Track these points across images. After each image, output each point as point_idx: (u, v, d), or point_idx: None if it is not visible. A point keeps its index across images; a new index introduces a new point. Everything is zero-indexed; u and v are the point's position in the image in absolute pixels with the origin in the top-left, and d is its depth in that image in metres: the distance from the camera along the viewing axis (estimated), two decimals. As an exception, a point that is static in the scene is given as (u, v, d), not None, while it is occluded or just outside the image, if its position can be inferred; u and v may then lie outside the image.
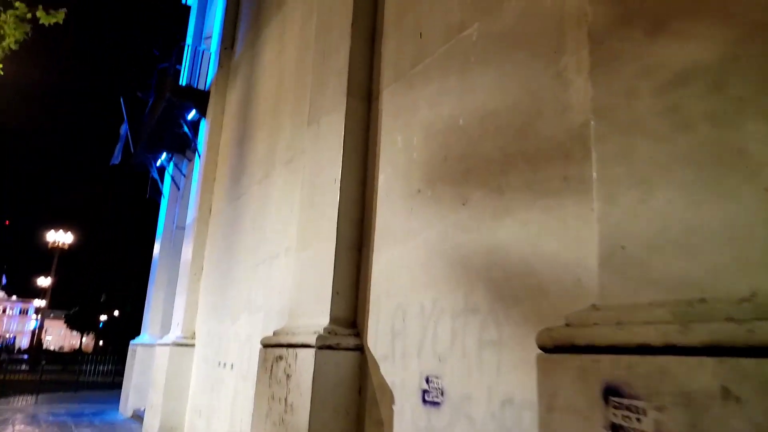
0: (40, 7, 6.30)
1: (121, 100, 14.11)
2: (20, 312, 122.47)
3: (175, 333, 9.39)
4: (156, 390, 9.25)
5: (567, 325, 1.82)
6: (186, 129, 10.67)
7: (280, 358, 4.45)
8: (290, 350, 4.27)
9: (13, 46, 6.16)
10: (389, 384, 3.68)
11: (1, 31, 5.89)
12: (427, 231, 3.56)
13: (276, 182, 7.02)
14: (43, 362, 17.47)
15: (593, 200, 1.89)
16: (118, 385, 16.99)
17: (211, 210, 9.80)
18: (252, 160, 8.20)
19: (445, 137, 3.49)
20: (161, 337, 11.65)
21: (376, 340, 3.93)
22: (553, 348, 1.83)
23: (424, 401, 3.27)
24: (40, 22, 6.36)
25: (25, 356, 41.56)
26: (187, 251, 10.05)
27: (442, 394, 3.13)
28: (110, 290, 69.07)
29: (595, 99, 1.93)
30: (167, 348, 9.10)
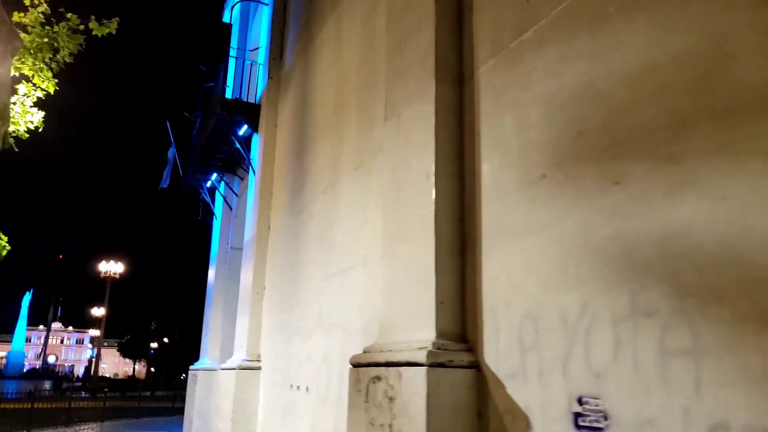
0: (93, 18, 6.08)
1: (167, 124, 14.05)
2: (76, 342, 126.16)
3: (239, 356, 9.01)
4: (222, 416, 8.86)
5: None
6: (238, 145, 10.40)
7: (378, 378, 3.93)
8: (390, 369, 3.75)
9: (67, 59, 5.95)
10: (522, 407, 3.10)
11: (55, 44, 5.68)
12: (561, 223, 3.00)
13: (344, 190, 6.56)
14: (106, 389, 17.45)
15: None
16: (178, 411, 16.82)
17: (270, 226, 9.44)
18: (313, 171, 7.79)
19: (576, 108, 2.94)
20: (223, 362, 11.33)
21: (498, 356, 3.37)
22: None
23: (579, 427, 2.69)
24: (93, 33, 6.15)
25: (81, 383, 42.39)
26: (246, 271, 9.71)
27: (605, 418, 2.54)
28: (161, 318, 70.43)
29: None
30: (232, 372, 8.71)
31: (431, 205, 3.83)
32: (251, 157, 10.27)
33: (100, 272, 40.39)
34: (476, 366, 3.53)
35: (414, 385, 3.42)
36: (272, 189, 9.61)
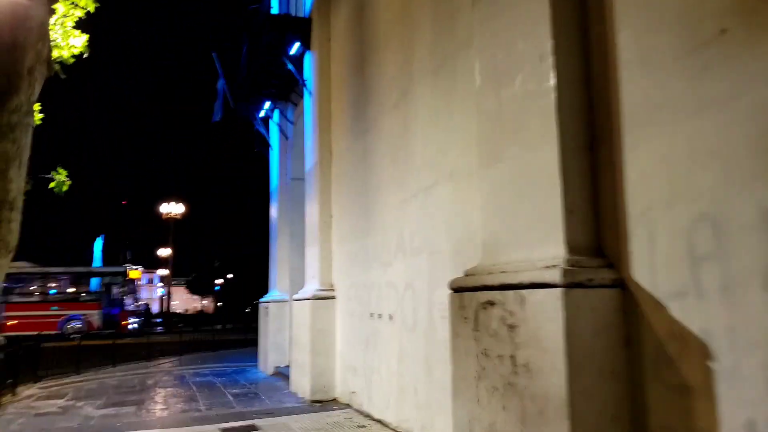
0: None
1: (214, 55, 13.42)
2: (148, 281, 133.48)
3: (312, 286, 8.71)
4: (300, 347, 8.69)
5: None
6: (290, 66, 9.71)
7: (490, 304, 3.37)
8: (508, 293, 3.18)
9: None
10: (695, 332, 2.48)
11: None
12: (751, 93, 2.24)
13: (419, 100, 5.85)
14: (180, 325, 17.99)
15: None
16: (250, 342, 17.20)
17: (331, 152, 8.88)
18: (378, 85, 7.06)
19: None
20: (294, 293, 11.17)
21: (654, 271, 2.72)
22: None
23: (796, 356, 2.05)
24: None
25: (160, 320, 44.70)
26: (310, 201, 9.27)
27: None
28: (224, 254, 72.77)
29: None
30: (307, 303, 8.45)
31: (551, 92, 3.10)
32: (305, 78, 9.59)
33: (162, 214, 41.58)
34: (621, 284, 2.90)
35: (545, 310, 2.84)
36: (331, 111, 8.97)
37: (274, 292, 11.98)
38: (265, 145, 13.20)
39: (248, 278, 65.50)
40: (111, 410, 7.86)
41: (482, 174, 3.80)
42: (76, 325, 22.10)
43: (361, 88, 7.69)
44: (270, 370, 11.32)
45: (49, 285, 24.96)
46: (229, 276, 73.79)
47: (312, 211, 9.13)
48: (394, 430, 6.15)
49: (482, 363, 3.43)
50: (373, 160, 7.18)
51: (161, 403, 8.37)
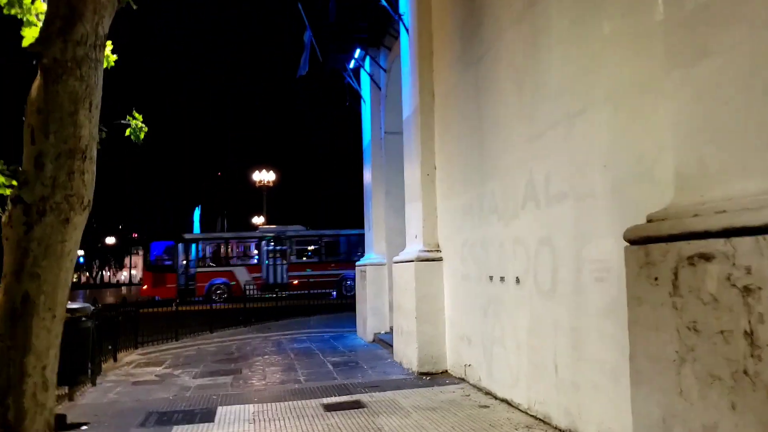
0: None
1: (299, 5, 12.56)
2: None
3: (414, 247, 7.78)
4: (403, 314, 7.83)
5: None
6: (383, 1, 8.63)
7: (704, 257, 2.25)
8: (741, 241, 2.05)
9: None
10: None
11: None
12: None
13: (553, 6, 4.62)
14: (277, 290, 17.87)
15: None
16: (347, 308, 16.75)
17: (434, 94, 7.79)
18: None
19: None
20: (392, 255, 10.35)
21: None
22: None
23: None
24: None
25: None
26: (410, 153, 8.27)
27: None
28: (315, 219, 74.15)
29: None
30: (410, 265, 7.53)
31: None
32: (401, 13, 8.48)
33: (254, 182, 42.39)
34: None
35: None
36: (432, 47, 7.85)
37: (371, 255, 11.21)
38: (357, 99, 12.30)
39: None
40: (207, 380, 7.41)
41: (675, 78, 2.61)
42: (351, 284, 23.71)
43: (469, 7, 6.50)
44: (369, 337, 10.63)
45: (322, 246, 26.90)
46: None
47: (411, 164, 8.14)
48: (524, 412, 5.15)
49: (688, 340, 2.34)
50: (488, 94, 6.04)
51: (258, 373, 7.85)
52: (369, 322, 10.69)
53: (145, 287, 24.04)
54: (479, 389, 6.19)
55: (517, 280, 5.25)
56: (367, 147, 11.75)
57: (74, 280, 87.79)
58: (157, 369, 8.38)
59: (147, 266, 24.96)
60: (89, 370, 6.34)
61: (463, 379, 6.69)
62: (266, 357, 9.29)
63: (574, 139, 4.32)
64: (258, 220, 59.15)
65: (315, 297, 16.87)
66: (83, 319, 5.30)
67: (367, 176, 11.75)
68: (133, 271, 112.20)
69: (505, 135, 5.59)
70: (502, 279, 5.61)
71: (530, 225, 5.02)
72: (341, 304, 17.38)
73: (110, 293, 45.18)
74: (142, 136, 4.77)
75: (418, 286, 7.35)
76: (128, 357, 9.55)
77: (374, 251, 11.14)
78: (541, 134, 4.84)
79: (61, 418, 5.24)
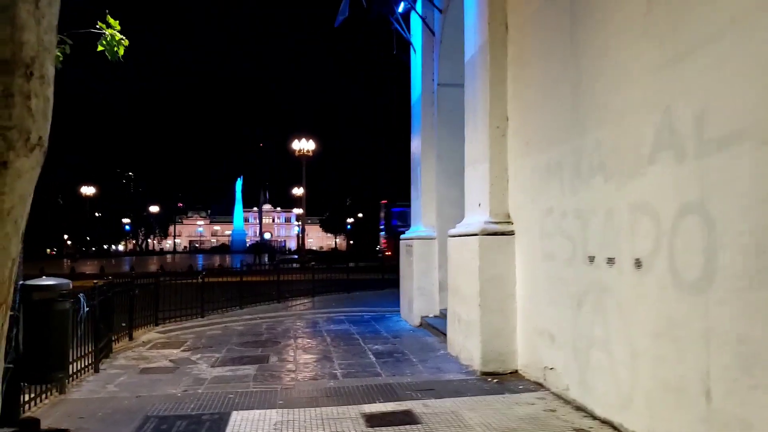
0: None
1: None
2: (285, 220, 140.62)
3: (478, 218, 6.33)
4: (462, 299, 6.44)
5: None
6: None
7: None
8: None
9: None
10: None
11: None
12: None
13: None
14: (313, 263, 16.69)
15: None
16: (388, 284, 15.46)
17: (507, 25, 6.23)
18: None
19: None
20: (444, 228, 8.95)
21: None
22: None
23: None
24: None
25: (295, 256, 45.52)
26: (473, 101, 6.76)
27: None
28: (356, 191, 72.91)
29: None
30: (473, 239, 6.10)
31: None
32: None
33: (294, 151, 41.32)
34: None
35: None
36: (505, -32, 6.26)
37: (418, 227, 9.80)
38: (405, 48, 10.76)
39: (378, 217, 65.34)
40: (227, 370, 6.22)
41: None
42: None
43: None
44: (415, 320, 9.30)
45: None
46: (360, 215, 74.12)
47: (475, 116, 6.64)
48: (643, 446, 3.71)
49: None
50: (589, 14, 4.48)
51: (288, 363, 6.62)
52: (416, 303, 9.34)
53: (388, 253, 24.04)
54: (566, 401, 4.77)
55: (638, 264, 3.76)
56: (416, 103, 10.24)
57: (120, 248, 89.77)
58: (174, 352, 7.26)
59: (388, 231, 25.42)
60: (71, 363, 5.20)
61: (541, 385, 5.28)
62: (298, 341, 8.07)
63: (753, 57, 2.78)
64: (298, 191, 58.54)
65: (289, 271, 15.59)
66: (59, 299, 4.11)
67: (416, 138, 10.28)
68: (177, 240, 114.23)
69: (619, 66, 4.05)
70: (609, 261, 4.13)
71: (664, 185, 3.51)
72: (382, 280, 16.08)
73: (155, 261, 45.29)
74: (121, 51, 3.44)
75: (483, 265, 5.92)
76: (146, 335, 8.49)
77: (422, 223, 9.73)
78: (686, 55, 3.29)
79: (31, 424, 4.09)
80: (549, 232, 5.21)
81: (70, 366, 5.35)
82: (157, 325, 9.18)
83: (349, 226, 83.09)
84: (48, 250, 66.37)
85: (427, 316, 9.20)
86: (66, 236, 74.25)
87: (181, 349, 7.49)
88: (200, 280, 10.20)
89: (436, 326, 8.38)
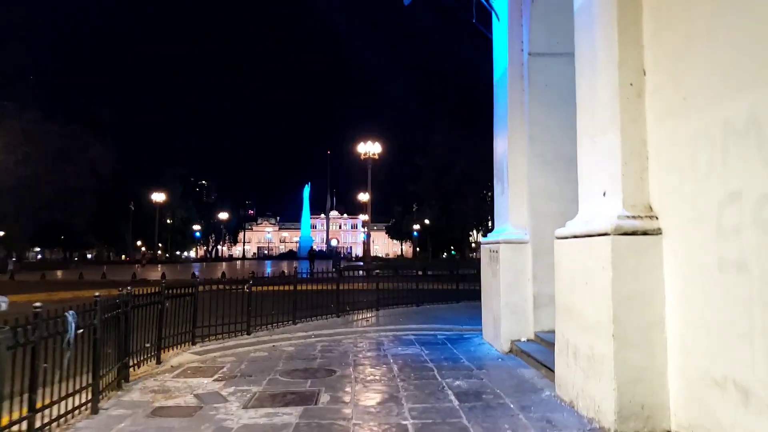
0: None
1: None
2: (351, 227, 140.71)
3: (605, 209, 4.52)
4: (585, 324, 4.64)
5: None
6: None
7: None
8: None
9: None
10: None
11: None
12: None
13: None
14: (377, 271, 15.08)
15: None
16: (465, 295, 13.67)
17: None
18: None
19: None
20: (540, 226, 7.26)
21: None
22: None
23: None
24: None
25: (361, 263, 44.36)
26: (590, 54, 4.97)
27: None
28: (419, 198, 71.15)
29: None
30: (602, 241, 4.30)
31: None
32: None
33: (360, 155, 40.15)
34: None
35: None
36: None
37: (505, 229, 8.01)
38: (486, 18, 9.04)
39: (451, 217, 63.07)
40: (262, 415, 4.69)
41: None
42: None
43: None
44: (503, 345, 7.51)
45: None
46: (426, 222, 72.21)
47: (595, 72, 4.85)
48: None
49: None
50: None
51: (343, 405, 5.03)
52: (503, 324, 7.55)
53: None
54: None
55: None
56: (501, 80, 8.47)
57: (192, 254, 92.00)
58: (204, 382, 5.84)
59: None
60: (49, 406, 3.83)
61: (722, 465, 3.42)
62: (358, 369, 6.49)
63: None
64: (364, 197, 57.44)
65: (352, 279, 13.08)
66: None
67: (500, 121, 8.50)
68: (247, 246, 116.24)
69: None
70: None
71: None
72: (455, 291, 14.28)
73: (223, 267, 45.31)
74: None
75: (618, 278, 4.11)
76: (178, 357, 7.16)
77: (510, 223, 7.93)
78: None
79: None
80: (734, 228, 3.36)
81: (50, 409, 4.02)
82: (194, 343, 7.85)
83: (416, 233, 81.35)
84: (123, 257, 68.60)
85: (518, 340, 7.39)
86: (139, 243, 76.60)
87: (214, 377, 6.07)
88: (246, 290, 8.79)
89: (532, 355, 6.57)
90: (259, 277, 9.73)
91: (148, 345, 6.61)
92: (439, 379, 5.97)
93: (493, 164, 8.85)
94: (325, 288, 11.06)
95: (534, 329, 7.39)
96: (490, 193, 62.71)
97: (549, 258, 7.48)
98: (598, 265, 4.33)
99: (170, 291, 7.31)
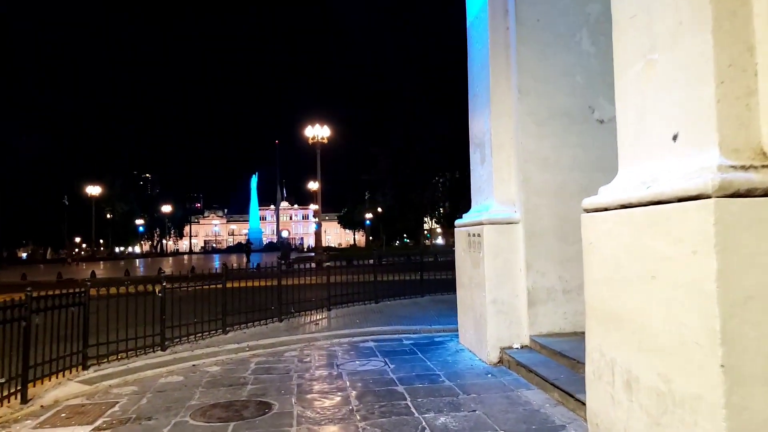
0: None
1: None
2: (302, 217, 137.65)
3: (688, 161, 2.85)
4: (661, 346, 2.99)
5: None
6: None
7: None
8: None
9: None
10: None
11: None
12: None
13: None
14: (328, 263, 13.26)
15: None
16: (429, 287, 12.02)
17: None
18: None
19: None
20: (538, 202, 5.73)
21: None
22: None
23: None
24: None
25: (312, 254, 42.34)
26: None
27: None
28: (373, 186, 69.45)
29: None
30: (695, 208, 2.64)
31: None
32: None
33: (307, 139, 37.93)
34: None
35: None
36: None
37: (489, 205, 6.32)
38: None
39: (405, 205, 61.85)
40: None
41: None
42: None
43: None
44: (491, 353, 5.86)
45: None
46: (379, 210, 70.58)
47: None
48: None
49: None
50: None
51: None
52: (490, 326, 5.90)
53: None
54: None
55: None
56: (478, 17, 6.75)
57: (136, 249, 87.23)
58: (72, 437, 3.93)
59: None
60: None
61: None
62: (304, 399, 4.70)
63: None
64: (315, 185, 55.19)
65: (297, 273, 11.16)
66: None
67: (479, 71, 6.79)
68: (194, 240, 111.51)
69: None
70: None
71: None
72: (418, 282, 12.60)
73: (170, 262, 42.33)
74: None
75: (728, 268, 2.46)
76: (59, 389, 5.16)
77: (495, 199, 6.26)
78: None
79: None
80: None
81: None
82: (86, 368, 5.84)
83: (368, 222, 79.62)
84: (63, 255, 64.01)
85: (509, 348, 5.77)
86: (78, 239, 71.87)
87: (96, 424, 4.17)
88: (159, 293, 6.77)
89: (534, 369, 4.94)
90: (176, 276, 7.71)
91: (2, 380, 4.63)
92: (416, 413, 4.25)
93: (469, 129, 7.17)
94: (267, 284, 9.14)
95: (529, 332, 5.78)
96: (443, 180, 61.71)
97: (548, 240, 5.88)
98: (681, 248, 2.67)
99: (44, 301, 5.29)
